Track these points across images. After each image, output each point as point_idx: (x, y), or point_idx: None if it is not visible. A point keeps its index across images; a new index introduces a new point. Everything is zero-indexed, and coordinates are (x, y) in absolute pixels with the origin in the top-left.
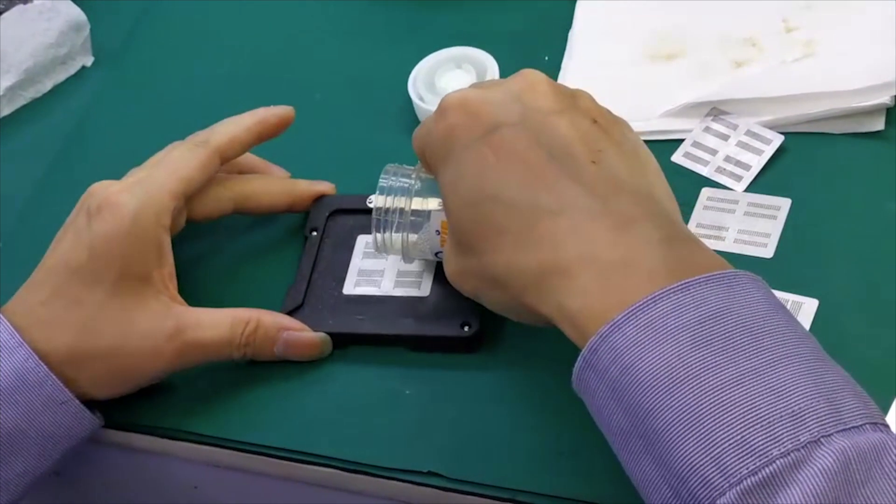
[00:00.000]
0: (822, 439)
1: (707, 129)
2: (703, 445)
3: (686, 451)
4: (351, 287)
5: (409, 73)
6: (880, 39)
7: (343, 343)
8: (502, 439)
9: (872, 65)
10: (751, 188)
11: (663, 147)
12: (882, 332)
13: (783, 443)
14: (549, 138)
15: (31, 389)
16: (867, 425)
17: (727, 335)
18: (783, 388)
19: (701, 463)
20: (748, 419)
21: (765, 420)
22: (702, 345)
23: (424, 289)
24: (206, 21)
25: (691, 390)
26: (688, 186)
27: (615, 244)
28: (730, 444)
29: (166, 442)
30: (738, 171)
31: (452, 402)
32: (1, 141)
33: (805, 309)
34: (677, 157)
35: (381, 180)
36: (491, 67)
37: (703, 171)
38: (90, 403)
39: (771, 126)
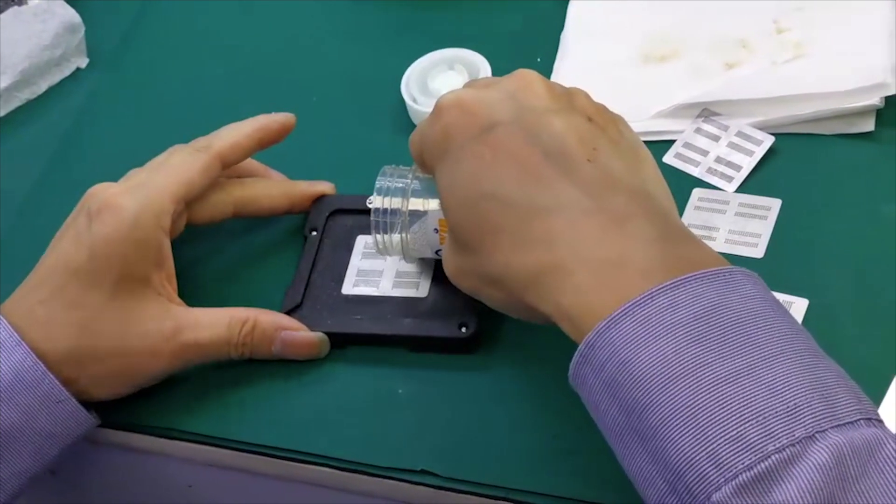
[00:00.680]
0: (816, 434)
1: (698, 130)
2: (698, 440)
3: (682, 446)
4: (350, 287)
5: (402, 74)
6: (871, 41)
7: (341, 343)
8: (499, 439)
9: (863, 66)
10: (741, 189)
11: (655, 148)
12: (871, 331)
13: (778, 438)
14: (545, 137)
15: (28, 388)
16: (861, 420)
17: (722, 331)
18: (778, 383)
19: (697, 458)
20: (743, 414)
21: (760, 415)
22: (697, 341)
23: (423, 289)
24: (200, 23)
25: (687, 386)
26: (679, 187)
27: (611, 242)
28: (725, 440)
29: (162, 441)
30: (728, 171)
31: (449, 402)
32: None
33: (795, 309)
34: (668, 158)
35: (377, 181)
36: (483, 69)
37: (695, 171)
38: (87, 403)
39: (762, 127)
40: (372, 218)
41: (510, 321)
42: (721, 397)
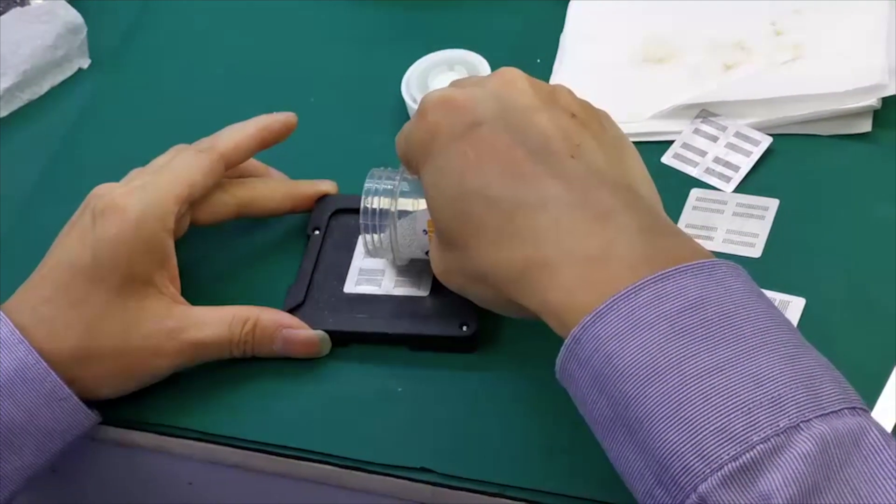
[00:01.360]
0: (801, 424)
1: (696, 131)
2: (684, 432)
3: (667, 438)
4: (352, 286)
5: (403, 75)
6: (868, 42)
7: (343, 341)
8: (497, 437)
9: (860, 67)
10: (739, 189)
11: (653, 148)
12: (868, 330)
13: (763, 428)
14: (528, 134)
15: (30, 385)
16: (845, 410)
17: (707, 324)
18: (763, 374)
19: (682, 449)
20: (728, 406)
21: (745, 406)
22: (682, 333)
23: (424, 288)
24: (202, 23)
25: (672, 378)
26: (677, 187)
27: (594, 236)
28: (710, 431)
29: (162, 438)
30: (726, 172)
31: (449, 401)
32: None
33: (792, 308)
34: (667, 159)
35: (366, 183)
36: (483, 70)
37: (693, 172)
38: (89, 401)
39: (759, 128)
40: (361, 220)
41: (510, 321)
42: (706, 389)
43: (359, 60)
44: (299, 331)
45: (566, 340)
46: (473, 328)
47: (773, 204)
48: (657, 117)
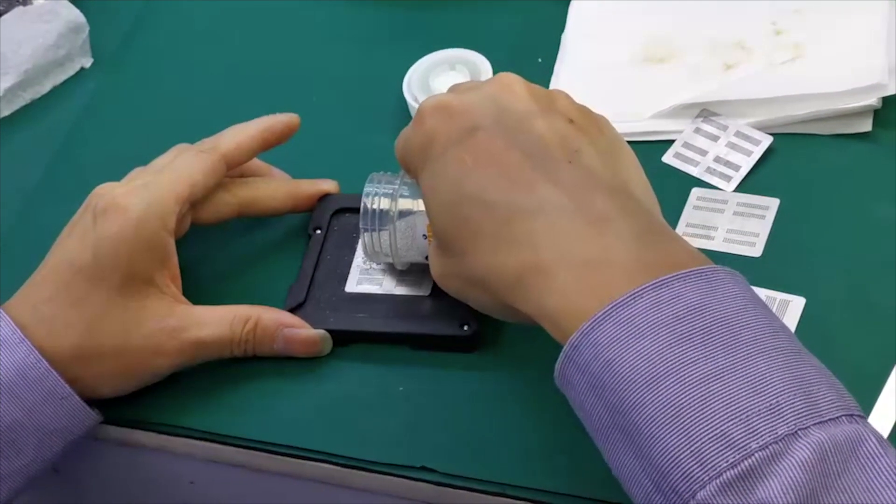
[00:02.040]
0: (799, 432)
1: (697, 130)
2: (683, 439)
3: (666, 444)
4: (353, 285)
5: (404, 74)
6: (868, 42)
7: (344, 340)
8: (498, 436)
9: (860, 67)
10: (740, 188)
11: (654, 148)
12: (867, 330)
13: (761, 436)
14: (525, 140)
15: (31, 385)
16: (843, 417)
17: (705, 330)
18: (761, 381)
19: (681, 456)
20: (727, 413)
21: (743, 413)
22: (681, 340)
23: (425, 288)
24: (204, 23)
25: (671, 385)
26: (678, 187)
27: (591, 242)
28: (709, 438)
29: (163, 437)
30: (727, 171)
31: (449, 400)
32: (0, 142)
33: (792, 307)
34: (668, 158)
35: (365, 187)
36: (485, 69)
37: (694, 171)
38: (90, 400)
39: (760, 127)
40: (360, 224)
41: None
42: (704, 396)
43: (360, 60)
44: (300, 330)
45: (564, 347)
46: (474, 328)
47: (773, 203)
48: (658, 117)
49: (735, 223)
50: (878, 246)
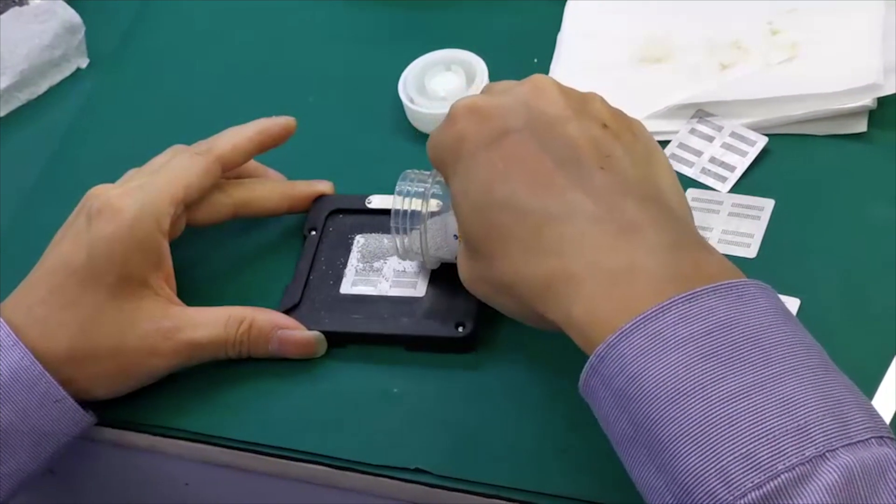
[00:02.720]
0: (827, 454)
1: (693, 131)
2: (708, 457)
3: (691, 462)
4: (348, 286)
5: (400, 74)
6: (863, 42)
7: (339, 342)
8: (493, 438)
9: (855, 67)
10: (735, 189)
11: None
12: (863, 331)
13: (788, 457)
14: (557, 144)
15: (25, 387)
16: (872, 439)
17: (734, 346)
18: (790, 401)
19: (706, 475)
20: (754, 432)
21: (771, 434)
22: (709, 356)
23: (420, 289)
24: (200, 23)
25: (697, 402)
26: None
27: (621, 251)
28: (735, 457)
29: (158, 439)
30: (722, 172)
31: (444, 402)
32: None
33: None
34: None
35: (397, 185)
36: (480, 69)
37: (689, 172)
38: (85, 402)
39: (755, 128)
40: (392, 223)
41: (506, 322)
42: (731, 413)
43: (356, 60)
44: (295, 331)
45: (590, 357)
46: (469, 329)
47: (768, 204)
48: (653, 117)
49: (730, 224)
50: (874, 246)
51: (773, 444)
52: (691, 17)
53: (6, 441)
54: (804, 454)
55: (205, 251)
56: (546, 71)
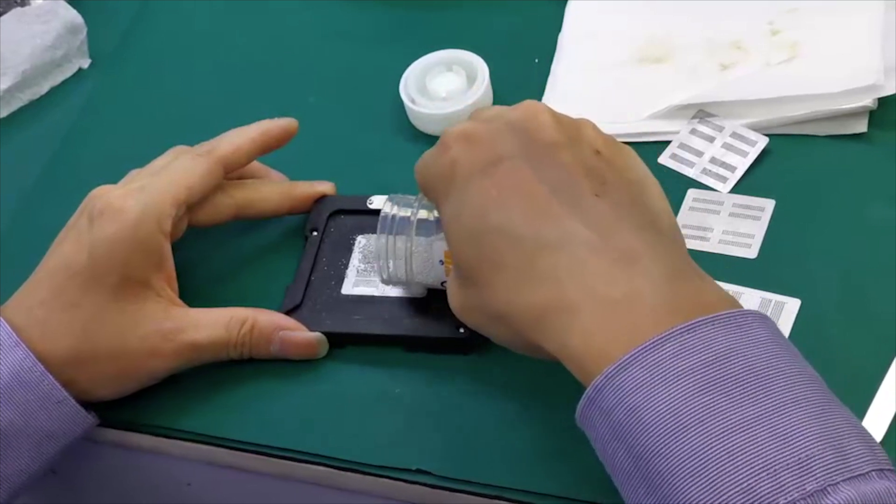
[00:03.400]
0: (828, 488)
1: (693, 131)
2: (708, 492)
3: (691, 496)
4: (349, 287)
5: (401, 75)
6: (864, 42)
7: (340, 343)
8: (493, 439)
9: (856, 67)
10: (736, 189)
11: (650, 149)
12: (863, 332)
13: (789, 491)
14: (551, 171)
15: (27, 388)
16: (873, 472)
17: (734, 378)
18: (790, 434)
19: None
20: (754, 466)
21: (771, 467)
22: (708, 388)
23: (422, 290)
24: (201, 24)
25: (697, 435)
26: (674, 188)
27: (617, 280)
28: (735, 492)
29: (160, 440)
30: (723, 172)
31: (445, 402)
32: None
33: (787, 309)
34: (664, 159)
35: (382, 209)
36: (481, 70)
37: (690, 172)
38: (87, 403)
39: (756, 128)
40: (375, 247)
41: None
42: (731, 447)
43: (357, 60)
44: (297, 332)
45: (587, 389)
46: (470, 330)
47: (769, 204)
48: (654, 117)
49: (731, 224)
50: (874, 247)
51: (774, 478)
52: (692, 17)
53: (8, 442)
54: (805, 488)
55: (206, 252)
56: (547, 71)
